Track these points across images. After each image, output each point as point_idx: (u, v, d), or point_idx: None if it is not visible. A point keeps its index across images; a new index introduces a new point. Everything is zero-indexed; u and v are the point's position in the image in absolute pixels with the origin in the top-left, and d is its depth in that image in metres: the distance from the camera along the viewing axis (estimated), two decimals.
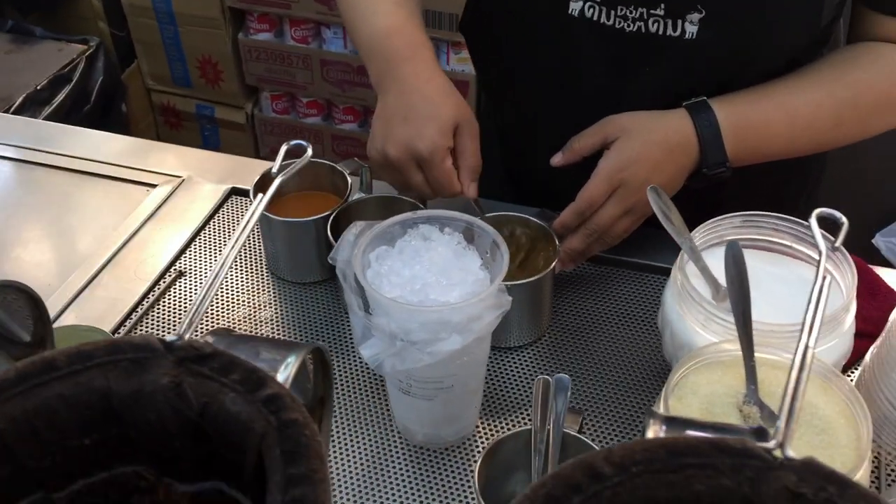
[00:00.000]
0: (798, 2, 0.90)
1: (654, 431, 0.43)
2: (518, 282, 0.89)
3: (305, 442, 0.37)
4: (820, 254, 0.47)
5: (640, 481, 0.35)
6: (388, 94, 0.95)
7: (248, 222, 0.46)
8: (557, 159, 0.96)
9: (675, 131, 0.91)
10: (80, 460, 0.42)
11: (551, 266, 0.92)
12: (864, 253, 0.97)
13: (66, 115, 2.14)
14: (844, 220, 0.53)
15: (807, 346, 0.40)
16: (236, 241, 0.44)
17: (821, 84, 0.94)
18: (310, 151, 0.55)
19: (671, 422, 0.45)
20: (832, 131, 0.96)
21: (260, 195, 0.49)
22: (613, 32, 0.93)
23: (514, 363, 0.94)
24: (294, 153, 0.54)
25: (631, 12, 0.91)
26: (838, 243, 0.52)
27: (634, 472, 0.35)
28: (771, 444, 0.37)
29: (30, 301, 0.59)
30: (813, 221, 0.50)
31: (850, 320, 0.79)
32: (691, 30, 0.90)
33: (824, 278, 0.44)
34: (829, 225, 0.56)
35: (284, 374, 0.47)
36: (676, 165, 0.92)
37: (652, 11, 0.91)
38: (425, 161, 0.90)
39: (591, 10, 0.93)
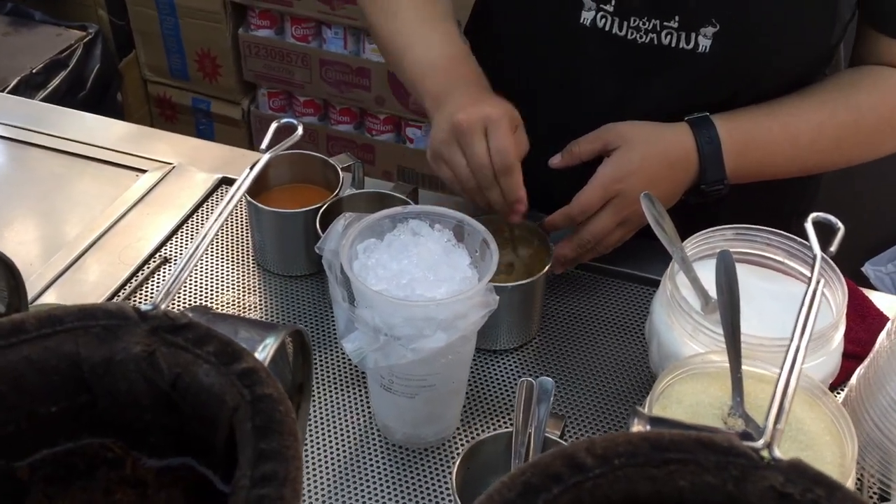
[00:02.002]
0: (812, 19, 0.89)
1: (638, 430, 0.42)
2: (510, 284, 0.88)
3: (279, 418, 0.36)
4: (814, 258, 0.47)
5: (621, 474, 0.34)
6: (454, 94, 0.92)
7: (236, 191, 0.45)
8: (556, 160, 0.95)
9: (676, 145, 0.91)
10: (45, 428, 0.41)
11: (544, 270, 0.91)
12: (853, 281, 0.97)
13: (61, 100, 2.13)
14: (840, 225, 0.53)
15: (798, 348, 0.39)
16: (222, 211, 0.43)
17: (823, 105, 0.93)
18: (300, 130, 0.54)
19: (656, 422, 0.44)
20: (833, 153, 0.95)
21: (247, 170, 0.48)
22: (624, 43, 0.92)
23: (498, 365, 0.93)
24: (285, 132, 0.53)
25: (644, 24, 0.91)
26: (833, 248, 0.51)
27: (616, 464, 0.34)
28: (758, 443, 0.36)
29: (5, 270, 0.57)
30: (808, 225, 0.50)
31: (838, 339, 0.79)
32: (704, 43, 0.89)
33: (818, 282, 0.43)
34: (824, 231, 0.55)
35: (262, 354, 0.46)
36: (674, 180, 0.91)
37: (666, 23, 0.90)
38: (493, 122, 0.86)
39: (604, 20, 0.92)
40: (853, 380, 0.85)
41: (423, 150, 2.48)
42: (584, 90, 0.99)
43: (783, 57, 0.91)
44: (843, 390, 0.90)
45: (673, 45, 0.91)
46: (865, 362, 0.83)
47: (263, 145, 0.50)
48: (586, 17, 0.93)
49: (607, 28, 0.92)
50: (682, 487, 0.34)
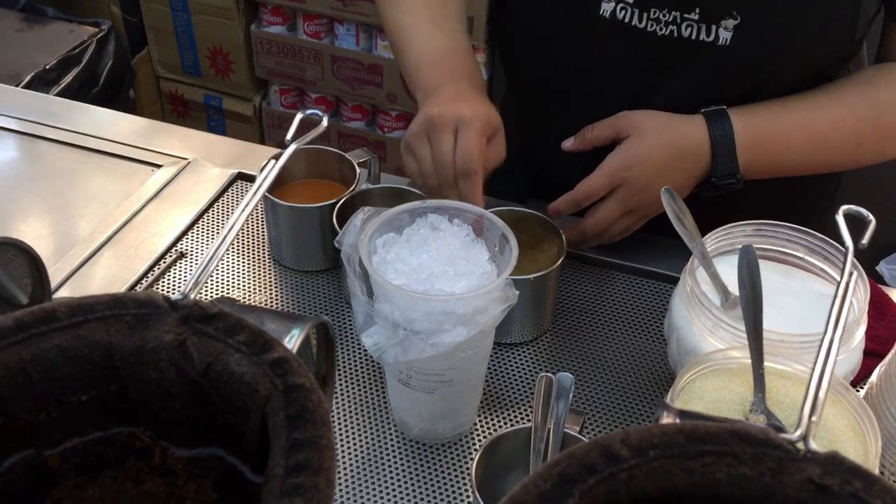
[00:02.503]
0: (835, 12, 0.89)
1: (669, 423, 0.41)
2: (522, 276, 0.88)
3: (311, 407, 0.36)
4: (846, 249, 0.46)
5: (657, 465, 0.34)
6: (442, 89, 0.93)
7: (264, 179, 0.45)
8: (569, 144, 0.95)
9: (688, 137, 0.90)
10: (75, 417, 0.41)
11: (557, 262, 0.90)
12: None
13: (74, 96, 2.13)
14: (871, 217, 0.52)
15: (832, 340, 0.39)
16: (249, 201, 0.43)
17: (842, 102, 0.93)
18: (325, 121, 0.53)
19: (685, 415, 0.43)
20: (851, 151, 0.95)
21: (273, 161, 0.47)
22: (644, 35, 0.92)
23: (515, 360, 0.93)
24: (308, 125, 0.52)
25: (664, 16, 0.90)
26: (865, 240, 0.51)
27: (651, 455, 0.34)
28: (794, 436, 0.36)
29: (30, 261, 0.57)
30: (840, 217, 0.49)
31: (860, 335, 0.78)
32: (725, 35, 0.89)
33: (851, 273, 0.43)
34: (854, 225, 0.54)
35: (288, 345, 0.46)
36: (685, 171, 0.91)
37: (686, 16, 0.90)
38: (464, 123, 0.86)
39: (623, 11, 0.92)
40: (874, 377, 0.84)
41: None
42: (602, 83, 0.98)
43: (804, 50, 0.91)
44: (862, 387, 0.89)
45: (693, 37, 0.90)
46: (886, 359, 0.82)
47: (288, 137, 0.50)
48: (606, 8, 0.92)
49: (627, 20, 0.92)
50: (719, 479, 0.34)
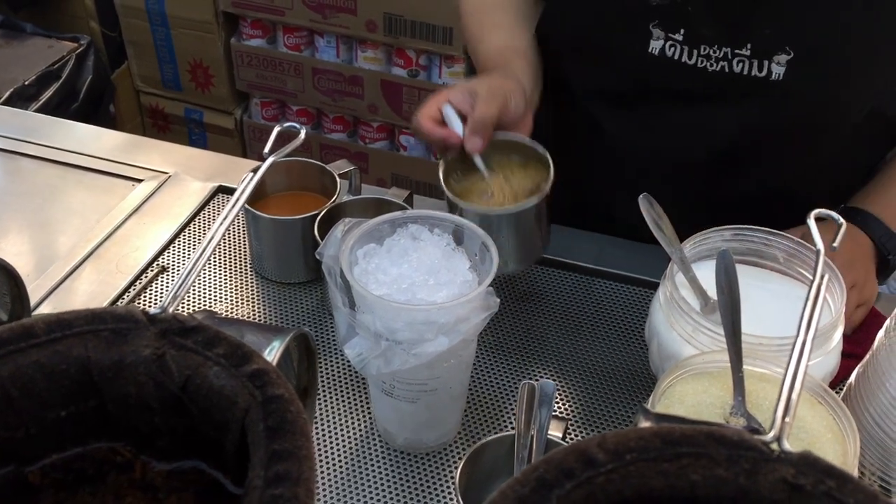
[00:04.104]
0: (889, 49, 0.89)
1: (646, 427, 0.42)
2: (504, 211, 0.88)
3: (291, 418, 0.36)
4: (817, 252, 0.47)
5: (633, 469, 0.34)
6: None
7: (241, 193, 0.45)
8: None
9: (861, 243, 0.96)
10: (54, 433, 0.40)
11: (543, 194, 0.89)
12: None
13: (53, 111, 2.12)
14: (843, 221, 0.53)
15: (804, 341, 0.40)
16: (228, 213, 0.43)
17: None
18: (303, 134, 0.54)
19: (662, 419, 0.44)
20: None
21: (250, 173, 0.48)
22: (694, 71, 0.92)
23: (498, 368, 0.93)
24: (287, 137, 0.53)
25: (715, 52, 0.90)
26: (836, 243, 0.52)
27: (628, 459, 0.34)
28: (768, 437, 0.36)
29: (9, 278, 0.57)
30: (811, 220, 0.50)
31: (837, 337, 0.79)
32: (778, 71, 0.89)
33: (823, 276, 0.44)
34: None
35: (268, 357, 0.46)
36: (870, 258, 0.97)
37: (737, 51, 0.89)
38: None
39: (673, 48, 0.91)
40: (852, 378, 0.85)
41: (417, 158, 2.49)
42: (651, 116, 0.98)
43: (858, 84, 0.91)
44: (841, 389, 0.90)
45: (745, 73, 0.90)
46: (864, 360, 0.83)
47: (266, 150, 0.50)
48: (655, 46, 0.92)
49: (676, 57, 0.91)
50: (695, 481, 0.34)
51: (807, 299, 0.43)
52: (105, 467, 0.42)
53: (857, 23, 0.88)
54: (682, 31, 0.90)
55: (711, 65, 0.91)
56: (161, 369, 0.40)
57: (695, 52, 0.91)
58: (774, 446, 0.36)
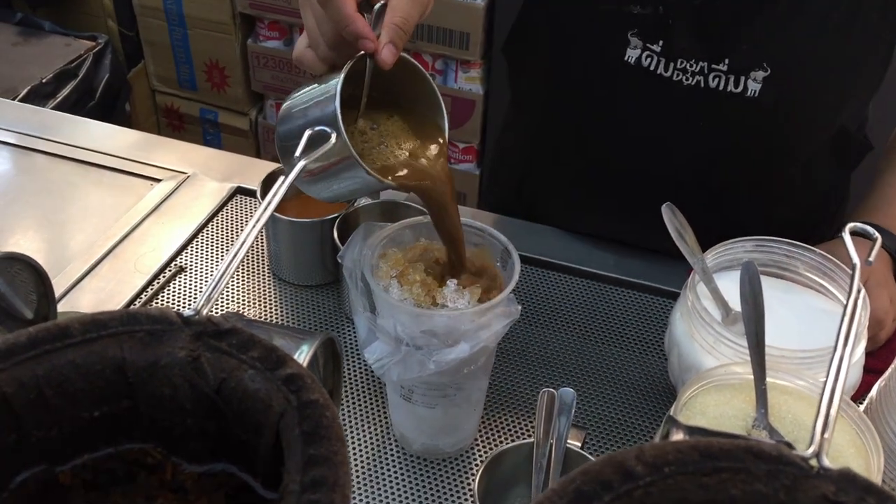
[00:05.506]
0: (867, 67, 0.89)
1: (677, 439, 0.41)
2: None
3: (326, 423, 0.36)
4: (854, 266, 0.47)
5: (672, 482, 0.34)
6: None
7: (274, 195, 0.45)
8: None
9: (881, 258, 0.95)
10: (87, 434, 0.40)
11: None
12: None
13: (70, 110, 2.13)
14: (878, 235, 0.53)
15: (843, 356, 0.39)
16: (260, 217, 0.43)
17: None
18: (334, 138, 0.54)
19: (692, 431, 0.44)
20: None
21: (281, 177, 0.48)
22: (670, 84, 0.91)
23: (517, 376, 0.93)
24: (317, 140, 0.53)
25: (692, 66, 0.89)
26: (871, 257, 0.51)
27: (667, 472, 0.34)
28: (807, 452, 0.36)
29: (35, 276, 0.57)
30: (846, 234, 0.50)
31: (860, 351, 0.79)
32: (754, 87, 0.88)
33: (859, 290, 0.43)
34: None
35: (298, 361, 0.46)
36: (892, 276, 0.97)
37: (714, 66, 0.89)
38: None
39: (649, 59, 0.90)
40: (873, 392, 0.85)
41: None
42: (625, 126, 0.98)
43: (835, 101, 0.91)
44: (862, 403, 0.90)
45: (721, 88, 0.90)
46: (886, 374, 0.83)
47: (297, 153, 0.50)
48: (631, 55, 0.91)
49: (652, 68, 0.91)
50: (734, 496, 0.34)
51: (843, 314, 0.43)
52: (136, 468, 0.42)
53: (835, 42, 0.87)
54: (660, 43, 0.90)
55: (687, 78, 0.90)
56: (196, 371, 0.39)
57: (672, 64, 0.90)
58: (814, 462, 0.35)
